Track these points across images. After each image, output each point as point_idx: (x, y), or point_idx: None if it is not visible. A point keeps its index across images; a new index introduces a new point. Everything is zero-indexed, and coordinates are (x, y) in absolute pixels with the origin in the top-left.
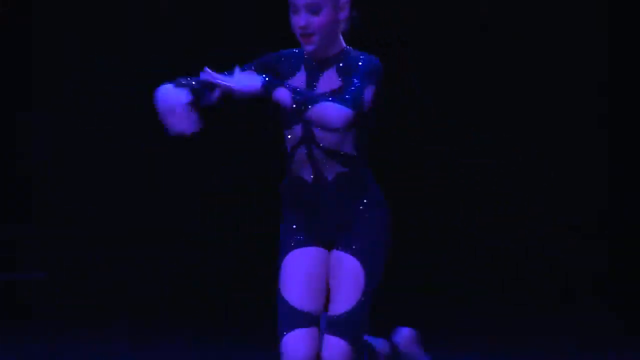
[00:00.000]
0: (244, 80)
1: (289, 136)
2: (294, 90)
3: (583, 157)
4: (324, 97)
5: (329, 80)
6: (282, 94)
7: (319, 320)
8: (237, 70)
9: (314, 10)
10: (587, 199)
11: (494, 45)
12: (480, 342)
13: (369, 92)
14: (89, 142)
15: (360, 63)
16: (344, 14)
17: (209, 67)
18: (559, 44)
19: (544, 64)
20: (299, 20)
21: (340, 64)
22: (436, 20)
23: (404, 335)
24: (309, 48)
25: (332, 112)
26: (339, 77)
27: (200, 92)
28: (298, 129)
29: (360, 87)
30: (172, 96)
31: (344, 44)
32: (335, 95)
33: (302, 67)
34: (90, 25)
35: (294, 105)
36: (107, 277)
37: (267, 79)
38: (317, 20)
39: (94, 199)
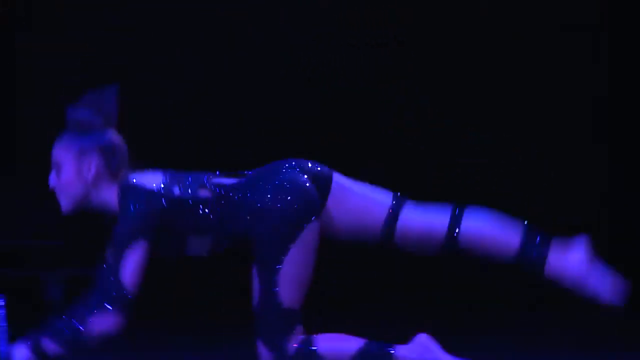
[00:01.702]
0: None
1: None
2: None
3: (583, 157)
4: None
5: None
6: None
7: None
8: None
9: (57, 169)
10: (587, 199)
11: (493, 45)
12: (480, 341)
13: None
14: None
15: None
16: (91, 174)
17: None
18: (558, 44)
19: (543, 63)
20: (50, 180)
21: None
22: (434, 19)
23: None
24: (61, 209)
25: (101, 327)
26: None
27: None
28: None
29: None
30: None
31: (114, 199)
32: None
33: None
34: (91, 25)
35: None
36: None
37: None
38: (60, 179)
39: None
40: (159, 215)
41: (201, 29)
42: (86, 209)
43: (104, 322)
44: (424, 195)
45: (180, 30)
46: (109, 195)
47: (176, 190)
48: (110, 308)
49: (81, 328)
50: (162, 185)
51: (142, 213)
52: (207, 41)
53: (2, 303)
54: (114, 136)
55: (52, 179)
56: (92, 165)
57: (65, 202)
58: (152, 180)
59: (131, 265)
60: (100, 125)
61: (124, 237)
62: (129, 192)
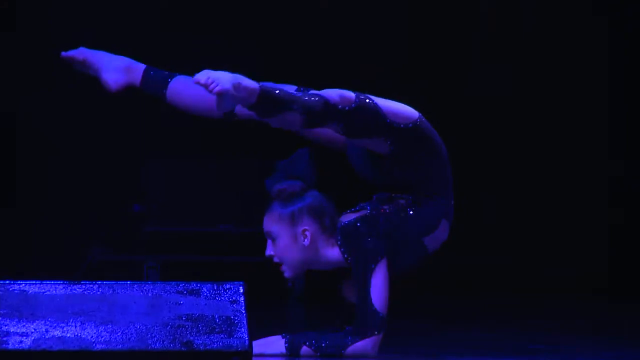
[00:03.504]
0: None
1: None
2: (315, 346)
3: (584, 156)
4: (342, 337)
5: None
6: (305, 351)
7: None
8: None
9: (272, 238)
10: (588, 198)
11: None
12: (482, 340)
13: (377, 278)
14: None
15: (352, 261)
16: (307, 240)
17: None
18: (561, 49)
19: (546, 66)
20: (267, 250)
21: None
22: (434, 23)
23: None
24: (285, 276)
25: (360, 351)
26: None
27: None
28: None
29: (370, 304)
30: None
31: (335, 252)
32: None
33: None
34: (91, 24)
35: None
36: None
37: (289, 338)
38: (277, 249)
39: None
40: (387, 232)
41: (200, 26)
42: (311, 270)
43: (364, 345)
44: None
45: (179, 27)
46: (330, 252)
47: (386, 207)
48: (369, 334)
49: (342, 351)
50: (369, 209)
51: (375, 234)
52: (207, 38)
53: (242, 290)
54: (319, 196)
55: (269, 249)
56: (307, 231)
57: (289, 271)
58: (356, 212)
59: (379, 288)
60: (303, 189)
61: (367, 262)
62: (350, 230)
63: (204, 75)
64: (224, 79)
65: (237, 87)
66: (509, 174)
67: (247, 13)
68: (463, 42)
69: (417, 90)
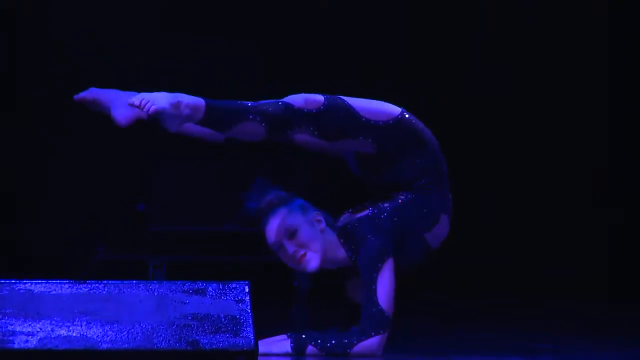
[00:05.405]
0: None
1: None
2: (321, 346)
3: (584, 156)
4: (348, 337)
5: None
6: (311, 351)
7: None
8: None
9: (291, 233)
10: (588, 198)
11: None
12: (482, 340)
13: (384, 277)
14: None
15: (359, 261)
16: (322, 224)
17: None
18: (561, 49)
19: (546, 66)
20: (288, 249)
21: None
22: (434, 23)
23: None
24: (310, 269)
25: (366, 350)
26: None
27: None
28: None
29: (376, 304)
30: None
31: (341, 251)
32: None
33: None
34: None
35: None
36: None
37: (295, 338)
38: (300, 239)
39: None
40: (389, 230)
41: (200, 26)
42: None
43: (370, 345)
44: None
45: (179, 27)
46: (337, 250)
47: (386, 205)
48: (374, 334)
49: (348, 351)
50: (370, 208)
51: (380, 232)
52: (207, 38)
53: (248, 289)
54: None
55: (290, 247)
56: (319, 215)
57: (315, 259)
58: (357, 212)
59: (385, 287)
60: (288, 195)
61: (374, 262)
62: (353, 230)
63: (138, 98)
64: (159, 98)
65: (177, 105)
66: (509, 174)
67: (247, 13)
68: (463, 42)
69: (417, 90)
